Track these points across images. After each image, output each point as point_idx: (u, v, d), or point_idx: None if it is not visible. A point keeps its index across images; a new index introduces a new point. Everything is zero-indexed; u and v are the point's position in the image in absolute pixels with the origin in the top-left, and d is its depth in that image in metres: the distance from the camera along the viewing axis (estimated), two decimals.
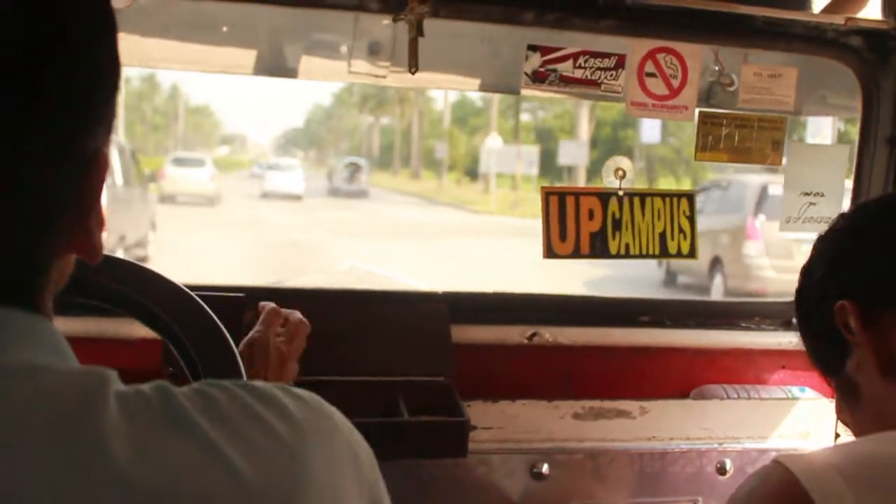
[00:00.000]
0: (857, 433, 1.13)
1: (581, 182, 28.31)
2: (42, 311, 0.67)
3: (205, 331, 1.36)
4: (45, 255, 0.67)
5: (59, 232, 0.66)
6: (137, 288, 1.32)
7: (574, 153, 30.03)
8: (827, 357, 1.15)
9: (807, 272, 1.18)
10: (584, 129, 34.20)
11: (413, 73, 1.71)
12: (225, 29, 1.82)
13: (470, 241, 19.35)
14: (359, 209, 28.27)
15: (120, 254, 14.27)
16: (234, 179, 39.38)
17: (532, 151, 33.48)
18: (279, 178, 30.51)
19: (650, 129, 29.44)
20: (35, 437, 0.58)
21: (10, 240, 0.64)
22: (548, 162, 33.57)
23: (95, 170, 0.67)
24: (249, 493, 0.62)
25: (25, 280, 0.66)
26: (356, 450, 0.73)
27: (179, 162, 26.83)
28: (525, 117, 47.17)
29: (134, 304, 1.32)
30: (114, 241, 12.77)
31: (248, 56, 1.87)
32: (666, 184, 29.60)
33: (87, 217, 0.68)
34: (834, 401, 1.19)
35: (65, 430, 0.59)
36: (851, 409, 1.11)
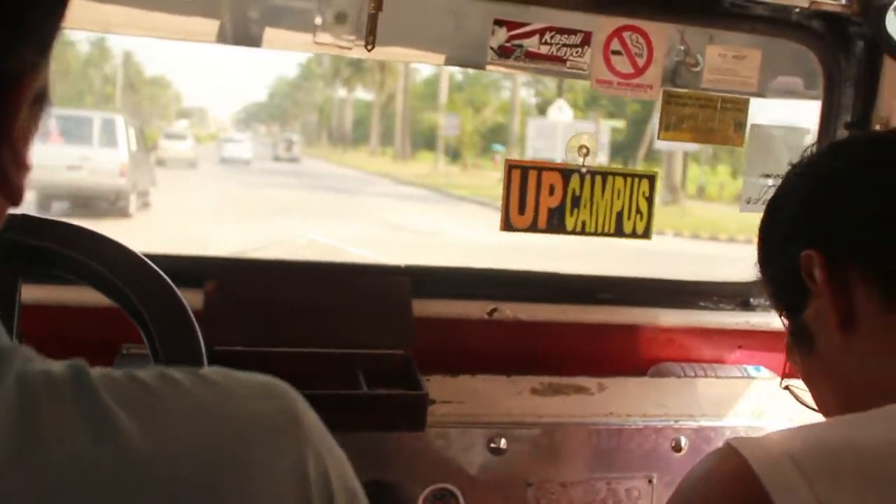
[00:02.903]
0: (805, 379, 1.11)
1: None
2: None
3: (164, 302, 1.35)
4: None
5: None
6: (96, 257, 1.30)
7: None
8: (785, 298, 1.11)
9: (774, 207, 1.12)
10: None
11: (369, 50, 1.70)
12: None
13: None
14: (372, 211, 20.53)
15: (133, 199, 17.61)
16: (205, 149, 42.76)
17: (603, 129, 25.52)
18: (233, 148, 39.63)
19: None
20: None
21: None
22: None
23: (11, 97, 0.55)
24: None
25: None
26: (327, 476, 0.61)
27: (169, 136, 35.88)
28: (522, 92, 40.76)
29: (93, 274, 1.31)
30: (130, 188, 17.25)
31: (211, 24, 1.84)
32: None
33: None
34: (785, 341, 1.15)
35: None
36: (803, 354, 1.09)
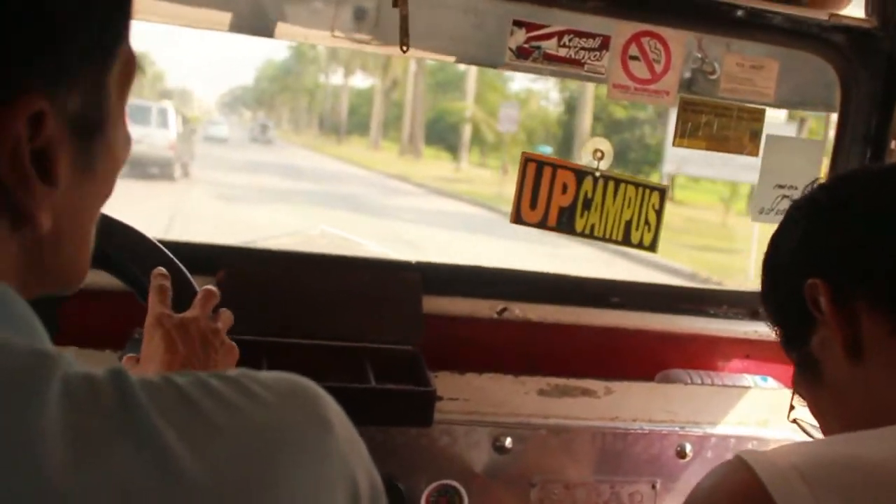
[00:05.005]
0: (813, 410, 1.12)
1: None
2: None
3: (176, 288, 1.36)
4: None
5: None
6: (111, 242, 1.31)
7: None
8: (790, 329, 1.13)
9: (778, 241, 1.14)
10: None
11: (405, 52, 1.70)
12: None
13: None
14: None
15: (177, 167, 23.21)
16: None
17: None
18: (214, 129, 48.48)
19: None
20: None
21: None
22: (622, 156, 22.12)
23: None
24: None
25: None
26: (355, 480, 0.62)
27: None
28: (538, 85, 37.60)
29: (107, 258, 1.32)
30: (175, 159, 22.96)
31: (226, 13, 1.85)
32: None
33: None
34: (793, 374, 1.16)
35: None
36: (810, 384, 1.09)
